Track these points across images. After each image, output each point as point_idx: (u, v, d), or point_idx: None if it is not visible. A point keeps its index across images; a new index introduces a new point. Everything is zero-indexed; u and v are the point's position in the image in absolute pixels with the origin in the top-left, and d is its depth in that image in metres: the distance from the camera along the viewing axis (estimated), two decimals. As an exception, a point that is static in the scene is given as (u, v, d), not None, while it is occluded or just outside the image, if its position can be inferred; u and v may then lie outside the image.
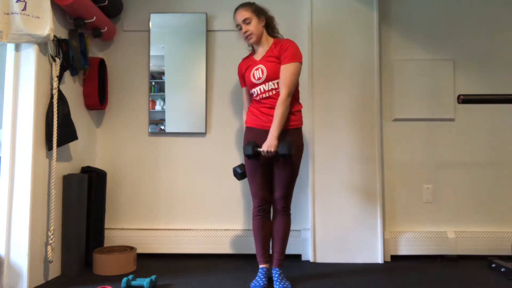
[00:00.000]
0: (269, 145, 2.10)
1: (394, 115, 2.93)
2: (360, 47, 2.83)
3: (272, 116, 2.19)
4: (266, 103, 2.23)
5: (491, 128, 2.93)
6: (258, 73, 2.23)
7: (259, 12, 2.28)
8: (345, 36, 2.84)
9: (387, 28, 2.98)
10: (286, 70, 2.15)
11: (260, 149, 2.14)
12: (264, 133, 2.21)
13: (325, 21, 2.85)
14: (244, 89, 2.42)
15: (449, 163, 2.93)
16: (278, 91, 2.20)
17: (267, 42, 2.30)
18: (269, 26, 2.33)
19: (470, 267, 2.60)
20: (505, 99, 2.40)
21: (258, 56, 2.30)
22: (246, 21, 2.24)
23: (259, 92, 2.24)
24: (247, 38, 2.26)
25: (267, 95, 2.22)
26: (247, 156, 2.18)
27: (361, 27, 2.84)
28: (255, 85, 2.25)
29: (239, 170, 2.32)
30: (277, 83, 2.21)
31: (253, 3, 2.31)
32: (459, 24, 2.97)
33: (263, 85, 2.22)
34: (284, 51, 2.18)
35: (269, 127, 2.19)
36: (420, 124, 2.94)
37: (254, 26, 2.24)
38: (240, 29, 2.27)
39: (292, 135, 2.22)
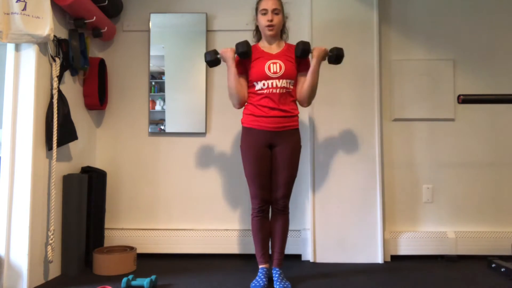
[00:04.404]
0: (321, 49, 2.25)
1: (394, 115, 2.93)
2: (360, 47, 2.83)
3: (272, 117, 2.20)
4: (272, 100, 2.20)
5: (491, 128, 2.93)
6: (275, 67, 2.21)
7: (283, 7, 2.30)
8: (345, 36, 2.84)
9: (387, 28, 2.98)
10: None
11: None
12: (264, 134, 2.22)
13: (325, 21, 2.85)
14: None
15: (449, 163, 2.93)
16: (288, 91, 2.23)
17: (279, 41, 2.32)
18: (284, 27, 2.35)
19: (470, 267, 2.60)
20: (505, 99, 2.40)
21: (272, 51, 2.27)
22: (275, 11, 2.22)
23: (270, 86, 2.20)
24: (268, 27, 2.22)
25: (278, 91, 2.20)
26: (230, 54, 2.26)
27: (361, 27, 2.84)
28: (269, 78, 2.20)
29: (209, 57, 2.28)
30: (290, 82, 2.23)
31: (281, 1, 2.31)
32: (459, 24, 2.97)
33: (277, 80, 2.20)
34: (307, 60, 2.30)
35: (269, 128, 2.20)
36: (420, 124, 2.94)
37: (279, 19, 2.25)
38: (264, 14, 2.23)
39: (296, 135, 2.27)
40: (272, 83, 2.20)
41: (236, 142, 2.95)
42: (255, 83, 2.23)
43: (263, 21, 2.24)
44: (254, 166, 2.21)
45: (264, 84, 2.21)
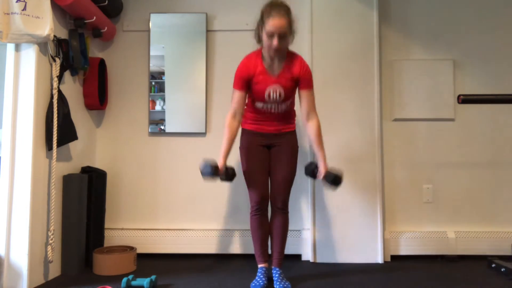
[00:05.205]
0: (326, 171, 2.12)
1: (394, 115, 2.93)
2: (360, 47, 2.83)
3: (273, 125, 2.24)
4: (271, 116, 2.23)
5: (491, 128, 2.93)
6: (275, 94, 2.15)
7: (293, 25, 2.09)
8: (345, 36, 2.84)
9: (387, 28, 2.98)
10: (310, 96, 2.20)
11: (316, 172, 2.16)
12: (263, 135, 2.25)
13: (325, 21, 2.85)
14: (239, 93, 2.15)
15: (449, 163, 2.93)
16: (287, 106, 2.22)
17: (282, 54, 2.16)
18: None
19: (470, 267, 2.60)
20: (505, 99, 2.41)
21: (273, 70, 2.14)
22: (281, 35, 2.01)
23: (269, 108, 2.20)
24: (274, 50, 2.06)
25: (276, 110, 2.22)
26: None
27: (361, 27, 2.84)
28: (268, 102, 2.18)
29: (208, 171, 2.04)
30: (289, 103, 2.23)
31: (290, 11, 2.08)
32: (459, 24, 2.97)
33: (276, 104, 2.20)
34: (306, 76, 2.16)
35: (270, 130, 2.24)
36: (420, 124, 2.94)
37: (287, 41, 2.08)
38: (271, 36, 2.01)
39: (293, 135, 2.31)
40: (271, 106, 2.21)
41: (236, 142, 2.94)
42: (257, 102, 2.22)
43: (267, 42, 2.05)
44: (252, 163, 2.23)
45: (263, 106, 2.21)
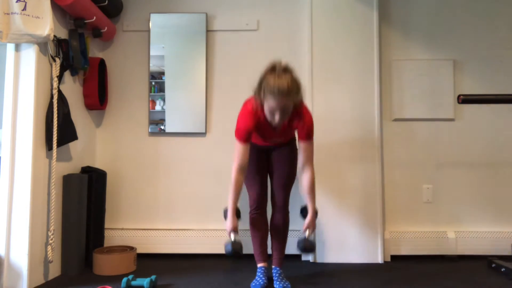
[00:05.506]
0: (314, 225, 2.13)
1: (394, 115, 2.93)
2: (360, 47, 2.83)
3: (273, 143, 2.25)
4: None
5: (491, 128, 2.93)
6: (276, 141, 2.23)
7: (298, 93, 1.97)
8: (345, 36, 2.84)
9: (387, 28, 2.98)
10: (309, 148, 2.11)
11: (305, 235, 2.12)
12: (267, 148, 2.28)
13: (325, 21, 2.85)
14: (245, 147, 2.04)
15: (449, 163, 2.93)
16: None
17: None
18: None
19: (470, 267, 2.60)
20: (505, 99, 2.41)
21: (276, 124, 2.03)
22: (284, 111, 1.92)
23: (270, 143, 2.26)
24: (275, 122, 1.98)
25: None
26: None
27: (361, 27, 2.84)
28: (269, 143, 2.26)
29: (230, 248, 2.04)
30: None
31: (295, 81, 1.94)
32: (459, 24, 2.97)
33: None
34: (306, 129, 2.07)
35: (268, 144, 2.25)
36: (420, 124, 2.94)
37: (289, 113, 1.98)
38: (272, 112, 1.93)
39: (292, 141, 2.32)
40: (271, 145, 2.27)
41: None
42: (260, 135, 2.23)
43: (269, 114, 1.96)
44: (250, 163, 2.23)
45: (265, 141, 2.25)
